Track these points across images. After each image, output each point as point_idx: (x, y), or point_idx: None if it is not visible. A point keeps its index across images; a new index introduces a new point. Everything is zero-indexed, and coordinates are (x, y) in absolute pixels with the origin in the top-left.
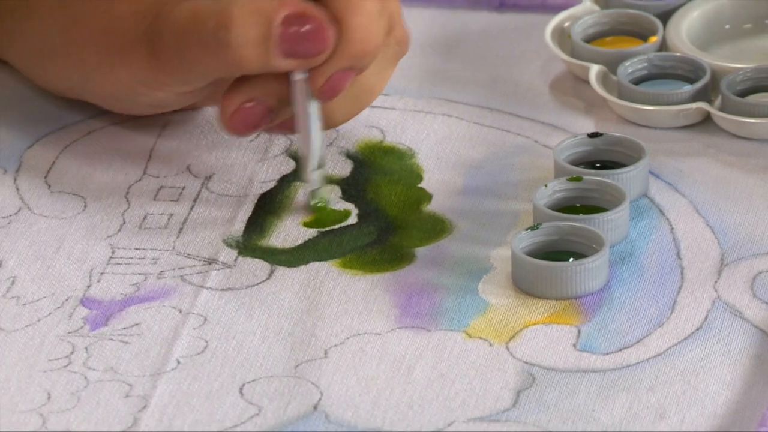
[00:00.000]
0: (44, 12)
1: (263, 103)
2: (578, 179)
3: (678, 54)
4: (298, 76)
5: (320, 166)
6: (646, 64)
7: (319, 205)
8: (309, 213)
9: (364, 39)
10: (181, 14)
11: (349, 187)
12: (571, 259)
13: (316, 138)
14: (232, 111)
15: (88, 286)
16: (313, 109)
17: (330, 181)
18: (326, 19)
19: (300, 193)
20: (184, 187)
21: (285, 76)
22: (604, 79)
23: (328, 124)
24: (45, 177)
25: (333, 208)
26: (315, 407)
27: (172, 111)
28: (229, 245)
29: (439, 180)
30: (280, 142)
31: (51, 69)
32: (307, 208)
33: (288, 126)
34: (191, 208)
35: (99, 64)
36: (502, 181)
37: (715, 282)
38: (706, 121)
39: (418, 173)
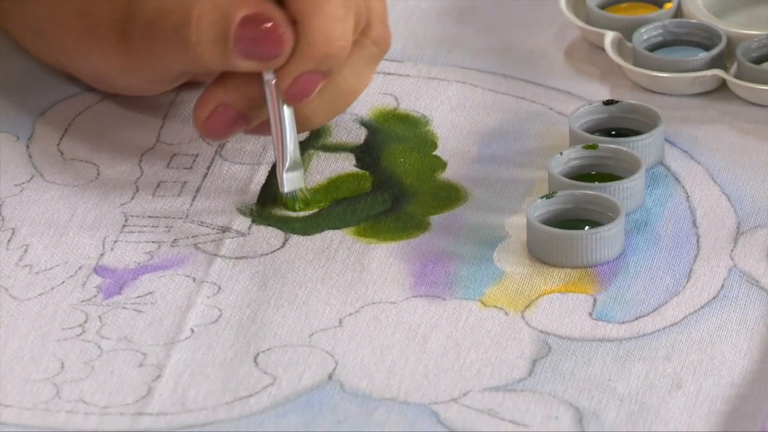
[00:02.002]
0: None
1: (234, 107)
2: (593, 147)
3: (693, 21)
4: (269, 77)
5: (294, 168)
6: (661, 31)
7: (292, 204)
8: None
9: (326, 41)
10: (148, 7)
11: (363, 155)
12: (587, 228)
13: (288, 140)
14: (205, 116)
15: (102, 255)
16: (285, 111)
17: (344, 148)
18: (285, 21)
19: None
20: (197, 155)
21: (257, 80)
22: (619, 46)
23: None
24: (57, 144)
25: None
26: (330, 376)
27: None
28: (243, 213)
29: (453, 147)
30: None
31: (40, 47)
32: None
33: (263, 129)
34: (205, 176)
35: (76, 48)
36: (516, 148)
37: (732, 250)
38: (721, 88)
39: (432, 141)
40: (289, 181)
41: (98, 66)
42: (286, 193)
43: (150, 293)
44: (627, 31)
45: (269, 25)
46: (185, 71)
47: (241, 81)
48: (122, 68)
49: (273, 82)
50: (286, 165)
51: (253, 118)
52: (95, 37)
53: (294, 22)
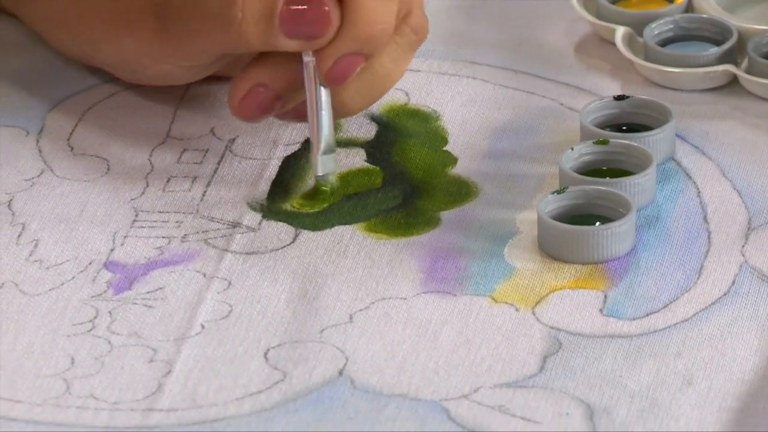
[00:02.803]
0: None
1: (271, 88)
2: (604, 142)
3: (704, 15)
4: (308, 59)
5: (328, 151)
6: (672, 26)
7: (324, 188)
8: (308, 197)
9: (371, 22)
10: None
11: (374, 150)
12: (598, 223)
13: (324, 123)
14: (241, 96)
15: (112, 250)
16: (323, 93)
17: (355, 143)
18: (331, 1)
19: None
20: (207, 150)
21: (295, 62)
22: (630, 41)
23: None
24: (68, 139)
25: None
26: (340, 372)
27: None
28: (254, 208)
29: (464, 143)
30: None
31: (64, 36)
32: (311, 192)
33: (301, 113)
34: (215, 171)
35: (106, 35)
36: (527, 143)
37: (743, 246)
38: (732, 84)
39: (443, 136)
40: (323, 165)
41: (130, 53)
42: (320, 176)
43: (160, 289)
44: (638, 26)
45: (315, 4)
46: (224, 52)
47: (279, 62)
48: (157, 53)
49: (312, 63)
50: (322, 148)
51: (289, 101)
52: (129, 22)
53: (339, 3)
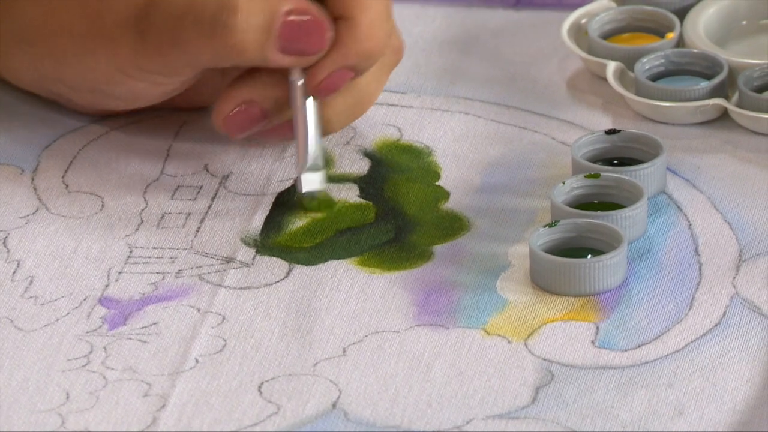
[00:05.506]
0: None
1: (259, 105)
2: (596, 176)
3: (695, 50)
4: (294, 77)
5: (315, 169)
6: (663, 61)
7: (310, 205)
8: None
9: (372, 38)
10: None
11: (367, 186)
12: (589, 256)
13: (310, 141)
14: (228, 112)
15: (106, 286)
16: (310, 111)
17: (348, 179)
18: (327, 19)
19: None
20: (201, 186)
21: (283, 81)
22: (621, 76)
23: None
24: (62, 177)
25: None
26: (334, 405)
27: (172, 108)
28: (247, 244)
29: (456, 178)
30: None
31: (25, 56)
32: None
33: (282, 132)
34: (209, 207)
35: (79, 50)
36: (519, 178)
37: (734, 278)
38: (723, 117)
39: (435, 171)
40: (308, 182)
41: (100, 69)
42: (304, 193)
43: (155, 324)
44: (629, 61)
45: (313, 21)
46: (212, 64)
47: (267, 80)
48: (133, 68)
49: (298, 83)
50: (307, 165)
51: (273, 118)
52: (106, 36)
53: (336, 20)
